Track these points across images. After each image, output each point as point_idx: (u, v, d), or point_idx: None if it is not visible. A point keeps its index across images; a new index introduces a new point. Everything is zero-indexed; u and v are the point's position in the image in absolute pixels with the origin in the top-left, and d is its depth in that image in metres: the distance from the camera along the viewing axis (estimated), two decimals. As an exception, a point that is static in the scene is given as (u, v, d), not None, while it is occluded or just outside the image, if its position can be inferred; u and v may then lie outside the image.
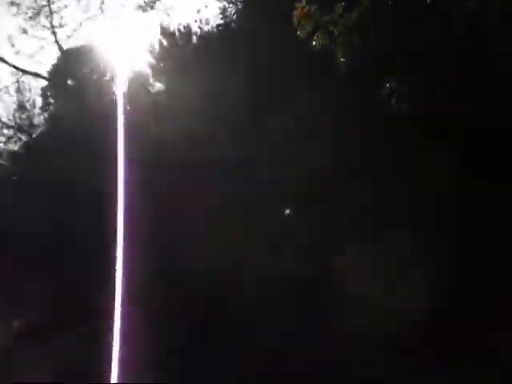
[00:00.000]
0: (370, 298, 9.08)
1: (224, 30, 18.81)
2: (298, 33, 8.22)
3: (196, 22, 18.92)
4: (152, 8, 16.67)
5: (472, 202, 9.16)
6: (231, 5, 18.23)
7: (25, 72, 20.54)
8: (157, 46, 20.39)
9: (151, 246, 12.76)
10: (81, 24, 19.54)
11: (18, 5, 17.42)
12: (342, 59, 8.16)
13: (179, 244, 13.53)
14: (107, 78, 22.31)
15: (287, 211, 13.93)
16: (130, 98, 21.00)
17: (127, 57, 20.54)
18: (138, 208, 10.86)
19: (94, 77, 23.18)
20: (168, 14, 17.27)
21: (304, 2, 7.91)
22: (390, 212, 10.47)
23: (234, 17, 18.85)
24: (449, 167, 9.30)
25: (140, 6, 16.64)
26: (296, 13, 8.03)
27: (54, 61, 22.02)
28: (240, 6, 18.22)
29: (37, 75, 21.24)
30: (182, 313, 11.71)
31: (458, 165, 9.16)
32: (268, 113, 14.41)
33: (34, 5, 16.89)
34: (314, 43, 8.28)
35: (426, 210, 9.89)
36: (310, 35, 8.23)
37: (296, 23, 8.17)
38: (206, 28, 19.51)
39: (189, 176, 14.68)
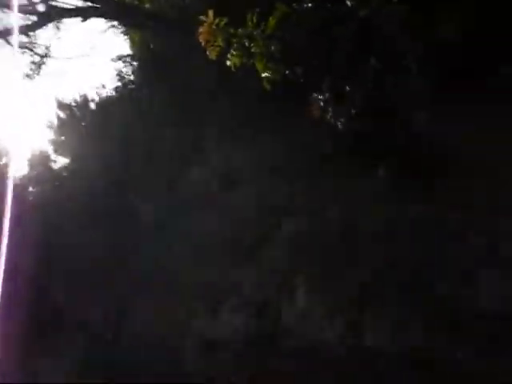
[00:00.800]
0: None
1: (122, 90, 17.35)
2: (208, 53, 6.69)
3: (92, 88, 17.50)
4: (38, 74, 14.66)
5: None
6: (126, 64, 16.80)
7: None
8: (55, 121, 18.68)
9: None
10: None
11: None
12: (264, 75, 6.72)
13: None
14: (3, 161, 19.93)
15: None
16: (32, 178, 18.84)
17: (25, 135, 18.56)
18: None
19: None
20: (60, 81, 15.36)
21: (211, 17, 6.40)
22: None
23: (132, 76, 17.47)
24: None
25: (27, 75, 14.63)
26: (203, 30, 6.49)
27: None
28: (135, 64, 16.81)
29: None
30: None
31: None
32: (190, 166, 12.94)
33: None
34: (228, 63, 6.79)
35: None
36: (222, 55, 6.75)
37: (204, 43, 6.63)
38: (104, 92, 18.00)
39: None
